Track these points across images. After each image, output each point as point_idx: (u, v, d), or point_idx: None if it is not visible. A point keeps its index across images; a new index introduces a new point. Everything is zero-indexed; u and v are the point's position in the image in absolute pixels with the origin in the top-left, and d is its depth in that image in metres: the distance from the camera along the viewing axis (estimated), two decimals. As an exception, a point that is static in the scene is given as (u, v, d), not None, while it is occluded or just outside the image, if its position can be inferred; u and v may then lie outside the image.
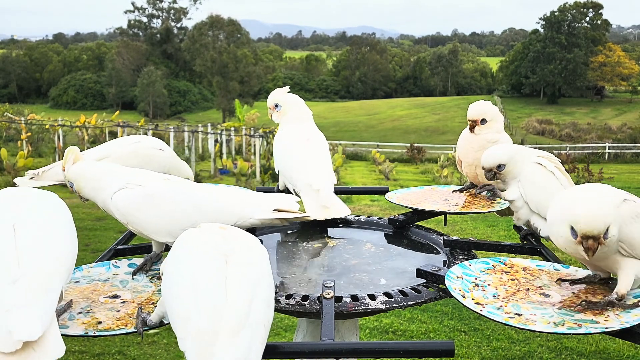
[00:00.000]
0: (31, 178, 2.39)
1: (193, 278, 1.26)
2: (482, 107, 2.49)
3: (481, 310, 1.48)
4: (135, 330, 1.45)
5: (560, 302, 1.56)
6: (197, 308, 1.21)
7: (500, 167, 2.06)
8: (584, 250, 1.48)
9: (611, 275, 1.67)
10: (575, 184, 2.02)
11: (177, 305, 1.25)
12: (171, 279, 1.31)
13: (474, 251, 2.07)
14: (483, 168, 2.11)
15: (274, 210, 1.95)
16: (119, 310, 1.56)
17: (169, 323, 1.37)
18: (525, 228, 2.19)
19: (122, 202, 1.80)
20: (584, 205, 1.49)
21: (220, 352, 1.15)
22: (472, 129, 2.48)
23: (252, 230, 2.35)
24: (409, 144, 32.26)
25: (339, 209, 2.23)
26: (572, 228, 1.49)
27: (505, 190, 2.10)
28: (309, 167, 2.33)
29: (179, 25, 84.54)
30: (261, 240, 2.30)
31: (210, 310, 1.20)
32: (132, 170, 1.91)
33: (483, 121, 2.47)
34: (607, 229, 1.46)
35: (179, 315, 1.23)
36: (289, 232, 2.41)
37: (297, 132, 2.46)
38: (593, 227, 1.46)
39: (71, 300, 1.59)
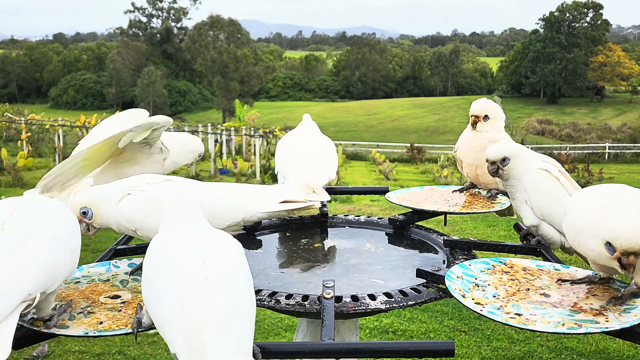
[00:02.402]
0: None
1: (173, 282, 1.27)
2: (485, 103, 2.51)
3: (481, 310, 1.48)
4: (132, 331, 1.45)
5: (573, 306, 1.55)
6: (182, 310, 1.22)
7: (505, 160, 2.03)
8: (622, 266, 1.41)
9: (612, 275, 1.67)
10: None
11: (162, 311, 1.26)
12: (151, 286, 1.32)
13: (474, 251, 2.07)
14: (487, 160, 2.08)
15: (281, 202, 1.95)
16: (119, 311, 1.56)
17: None
18: (525, 228, 2.19)
19: (127, 208, 1.78)
20: (622, 219, 1.41)
21: (212, 349, 1.16)
22: (474, 125, 2.48)
23: (252, 230, 2.36)
24: (409, 144, 32.29)
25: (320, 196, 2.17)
26: (608, 243, 1.41)
27: (506, 193, 2.10)
28: (302, 162, 2.34)
29: (179, 25, 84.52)
30: (261, 239, 2.31)
31: (196, 310, 1.22)
32: (133, 177, 1.89)
33: (485, 117, 2.47)
34: None
35: (165, 320, 1.24)
36: (289, 232, 2.41)
37: (295, 133, 2.54)
38: (635, 242, 1.38)
39: (71, 300, 1.59)
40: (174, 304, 1.23)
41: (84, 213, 1.79)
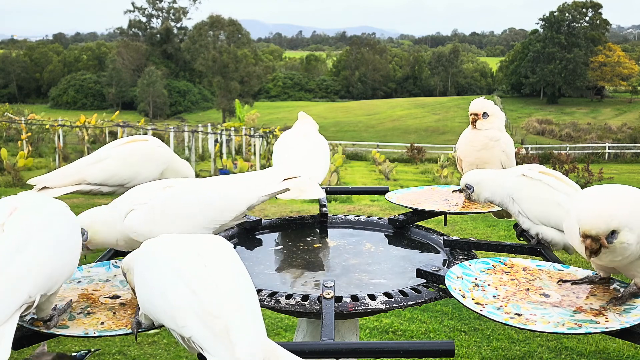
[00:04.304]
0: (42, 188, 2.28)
1: (173, 273, 1.28)
2: (483, 101, 2.54)
3: (481, 310, 1.48)
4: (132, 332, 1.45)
5: (573, 305, 1.55)
6: (193, 295, 1.23)
7: (469, 188, 2.14)
8: (585, 249, 1.44)
9: (611, 276, 1.67)
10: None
11: (168, 302, 1.25)
12: (150, 281, 1.32)
13: (474, 251, 2.07)
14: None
15: (284, 180, 1.93)
16: (116, 312, 1.56)
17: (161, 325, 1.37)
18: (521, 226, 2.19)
19: (135, 222, 1.76)
20: (590, 202, 1.46)
21: (234, 324, 1.18)
22: (473, 123, 2.49)
23: (252, 230, 2.36)
24: (409, 144, 32.32)
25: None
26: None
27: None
28: (297, 163, 2.34)
29: (179, 25, 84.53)
30: (261, 239, 2.31)
31: (207, 292, 1.23)
32: (130, 191, 1.86)
33: (485, 115, 2.48)
34: (614, 233, 1.41)
35: (174, 309, 1.24)
36: (288, 232, 2.41)
37: (292, 132, 2.53)
38: (592, 226, 1.41)
39: (71, 300, 1.59)
40: (182, 292, 1.24)
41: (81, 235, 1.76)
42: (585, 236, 1.43)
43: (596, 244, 1.42)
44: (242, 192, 1.89)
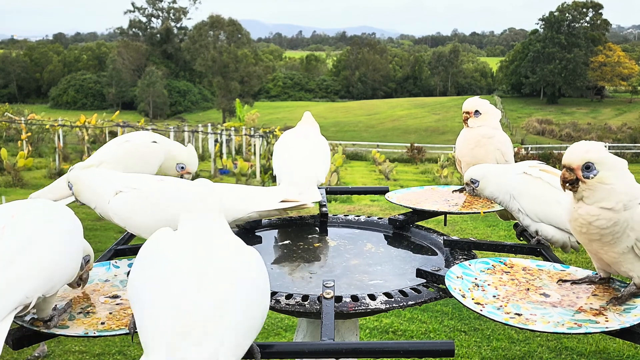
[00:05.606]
0: None
1: (162, 281, 1.20)
2: (475, 100, 2.55)
3: (481, 310, 1.48)
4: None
5: (573, 305, 1.55)
6: (164, 311, 1.15)
7: (474, 182, 2.13)
8: (560, 180, 1.53)
9: (611, 276, 1.67)
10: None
11: (146, 309, 1.19)
12: (138, 287, 1.25)
13: (474, 251, 2.07)
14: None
15: (280, 201, 1.97)
16: (112, 312, 1.56)
17: None
18: (521, 225, 2.19)
19: (119, 205, 1.84)
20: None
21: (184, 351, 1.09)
22: (465, 121, 2.51)
23: (252, 230, 2.36)
24: (409, 144, 32.30)
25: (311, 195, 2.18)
26: None
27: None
28: (294, 164, 2.35)
29: (179, 25, 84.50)
30: (261, 239, 2.31)
31: (178, 313, 1.14)
32: (128, 175, 1.94)
33: (477, 113, 2.49)
34: (590, 167, 1.48)
35: (147, 318, 1.17)
36: (289, 232, 2.41)
37: (293, 133, 2.54)
38: (568, 157, 1.52)
39: (71, 300, 1.60)
40: (157, 306, 1.17)
41: (70, 187, 1.94)
42: (563, 167, 1.53)
43: (571, 174, 1.51)
44: (232, 204, 1.90)
